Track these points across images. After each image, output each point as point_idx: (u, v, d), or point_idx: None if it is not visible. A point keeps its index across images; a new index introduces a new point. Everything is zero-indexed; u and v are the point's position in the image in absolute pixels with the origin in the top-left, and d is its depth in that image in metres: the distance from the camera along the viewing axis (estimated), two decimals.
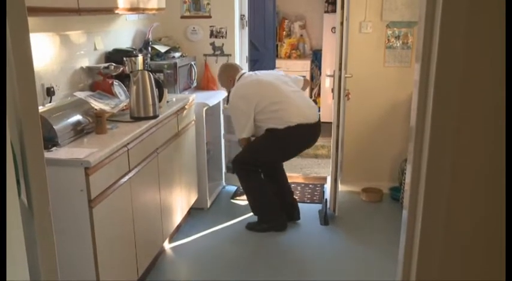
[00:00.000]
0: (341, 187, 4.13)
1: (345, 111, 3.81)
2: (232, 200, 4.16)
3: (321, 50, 6.45)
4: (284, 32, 6.77)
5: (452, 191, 1.25)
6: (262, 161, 3.53)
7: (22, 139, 0.96)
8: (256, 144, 3.50)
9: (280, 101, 3.41)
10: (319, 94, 6.58)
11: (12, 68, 0.92)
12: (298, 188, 4.48)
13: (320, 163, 5.36)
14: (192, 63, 4.07)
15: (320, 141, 5.61)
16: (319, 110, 6.47)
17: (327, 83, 6.15)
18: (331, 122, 3.86)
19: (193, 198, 3.72)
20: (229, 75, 3.65)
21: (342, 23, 3.35)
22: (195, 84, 4.16)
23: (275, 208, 3.57)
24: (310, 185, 4.55)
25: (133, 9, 3.17)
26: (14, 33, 0.89)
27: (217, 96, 4.03)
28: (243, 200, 4.05)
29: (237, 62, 4.35)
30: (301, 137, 3.49)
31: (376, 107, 4.09)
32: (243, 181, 3.58)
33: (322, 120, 6.36)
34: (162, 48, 3.94)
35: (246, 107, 3.41)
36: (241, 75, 3.59)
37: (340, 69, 3.44)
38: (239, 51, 4.38)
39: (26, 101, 0.95)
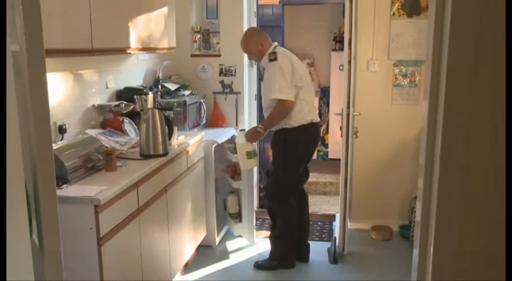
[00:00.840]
0: (350, 225, 4.09)
1: (354, 148, 3.81)
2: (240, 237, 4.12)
3: (328, 87, 6.50)
4: None
5: (463, 229, 1.24)
6: (294, 177, 3.40)
7: (36, 179, 0.97)
8: (279, 162, 3.39)
9: (309, 92, 3.35)
10: (327, 131, 6.60)
11: (29, 109, 0.94)
12: None
13: (329, 200, 5.32)
14: (202, 101, 4.13)
15: (328, 178, 5.63)
16: (327, 147, 6.53)
17: (334, 120, 6.17)
18: (339, 159, 3.86)
19: (201, 235, 3.70)
20: (260, 39, 3.34)
21: (349, 62, 3.40)
22: (204, 121, 4.20)
23: (293, 246, 3.52)
24: (319, 223, 4.50)
25: (145, 49, 3.25)
26: (32, 76, 0.92)
27: (226, 134, 4.05)
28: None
29: (246, 99, 4.40)
30: (312, 136, 3.43)
31: (384, 144, 4.09)
32: (276, 213, 3.46)
33: (330, 156, 6.47)
34: (172, 86, 4.01)
35: (290, 72, 3.20)
36: (276, 45, 3.37)
37: (348, 107, 3.47)
38: (248, 89, 4.44)
39: (40, 141, 0.97)
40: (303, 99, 3.26)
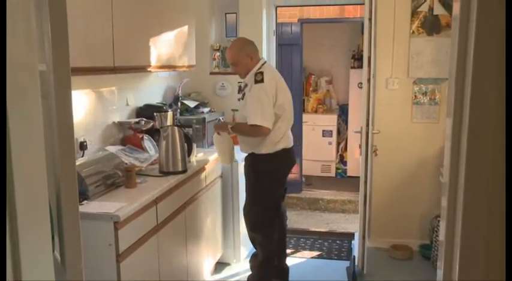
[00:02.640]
0: (369, 243, 4.03)
1: (373, 166, 3.78)
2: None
3: (347, 104, 6.49)
4: (311, 87, 6.86)
5: (489, 249, 1.21)
6: (272, 205, 3.22)
7: (59, 196, 0.99)
8: (252, 191, 3.21)
9: (288, 120, 3.18)
10: (345, 148, 6.56)
11: (54, 127, 0.96)
12: (325, 244, 4.39)
13: (347, 218, 5.27)
14: (220, 118, 4.15)
15: (347, 196, 5.59)
16: (346, 164, 6.49)
17: (353, 138, 6.14)
18: (358, 177, 3.82)
19: (219, 253, 3.68)
20: (251, 52, 3.13)
21: (369, 80, 3.39)
22: None
23: (273, 272, 3.34)
24: (338, 241, 4.45)
25: (165, 67, 3.29)
26: (58, 95, 0.94)
27: None
28: None
29: None
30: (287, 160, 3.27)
31: (404, 162, 4.04)
32: (258, 246, 3.29)
33: (349, 174, 6.43)
34: (192, 104, 4.04)
35: (274, 97, 3.04)
36: (265, 62, 3.18)
37: (367, 125, 3.44)
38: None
39: (64, 158, 0.98)
40: (279, 128, 3.08)
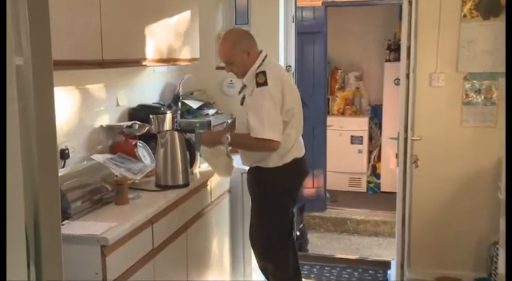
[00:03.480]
0: (409, 275, 3.99)
1: (413, 180, 3.75)
2: None
3: (381, 105, 6.47)
4: (337, 84, 6.86)
5: None
6: (283, 227, 3.20)
7: (37, 216, 0.98)
8: (259, 211, 3.19)
9: (298, 125, 3.15)
10: (379, 158, 6.53)
11: (33, 133, 0.96)
12: (355, 273, 4.37)
13: (381, 242, 5.23)
14: (229, 121, 4.15)
15: (381, 215, 5.56)
16: (379, 178, 6.46)
17: (388, 145, 6.11)
18: (394, 193, 3.80)
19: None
20: (248, 46, 3.04)
21: (407, 75, 3.37)
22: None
23: None
24: (370, 271, 4.42)
25: (163, 61, 3.31)
26: (39, 94, 0.94)
27: None
28: None
29: None
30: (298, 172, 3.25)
31: (452, 175, 4.01)
32: (271, 276, 3.27)
33: (383, 189, 6.40)
34: (194, 104, 4.05)
35: (280, 102, 2.95)
36: (266, 56, 3.09)
37: (406, 130, 3.43)
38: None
39: (45, 171, 0.98)
40: (288, 135, 3.03)
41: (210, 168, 3.36)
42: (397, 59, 5.73)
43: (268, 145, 2.91)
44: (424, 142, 3.84)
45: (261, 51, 3.10)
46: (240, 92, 3.18)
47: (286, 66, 4.44)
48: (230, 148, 3.21)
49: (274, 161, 3.05)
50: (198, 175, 3.24)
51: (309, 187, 5.66)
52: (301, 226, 4.82)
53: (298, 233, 4.57)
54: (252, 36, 3.13)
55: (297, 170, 3.17)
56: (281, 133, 2.94)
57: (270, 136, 2.87)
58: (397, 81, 5.81)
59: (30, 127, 0.98)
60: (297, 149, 3.13)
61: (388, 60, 6.36)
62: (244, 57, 3.01)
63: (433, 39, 3.90)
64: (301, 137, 3.22)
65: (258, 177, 3.13)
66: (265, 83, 2.91)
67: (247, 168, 3.36)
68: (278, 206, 3.15)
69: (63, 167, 2.82)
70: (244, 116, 3.02)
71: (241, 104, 3.10)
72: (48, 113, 0.99)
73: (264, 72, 2.94)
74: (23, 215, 0.90)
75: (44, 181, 0.99)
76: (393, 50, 6.33)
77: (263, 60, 3.04)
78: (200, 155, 3.26)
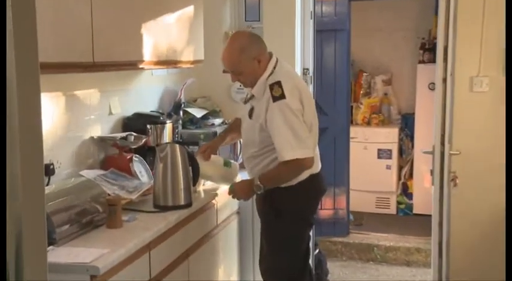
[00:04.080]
0: None
1: (451, 201, 3.72)
2: None
3: (413, 113, 6.44)
4: (361, 90, 6.85)
5: None
6: (298, 256, 3.20)
7: (19, 243, 0.98)
8: (270, 237, 3.19)
9: (314, 138, 3.13)
10: (411, 175, 6.50)
11: (16, 145, 0.96)
12: None
13: (415, 273, 5.20)
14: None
15: (413, 242, 5.52)
16: (411, 197, 6.42)
17: (422, 160, 6.08)
18: (429, 215, 3.77)
19: None
20: (258, 52, 3.01)
21: (444, 79, 3.36)
22: (240, 160, 4.20)
23: None
24: None
25: (162, 63, 3.33)
26: (23, 102, 0.95)
27: None
28: None
29: None
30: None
31: (496, 196, 3.96)
32: None
33: (416, 211, 6.35)
34: (198, 113, 4.07)
35: (299, 107, 2.93)
36: (277, 61, 3.07)
37: (442, 143, 3.41)
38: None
39: (30, 190, 0.99)
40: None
41: (216, 186, 3.38)
42: (432, 60, 5.71)
43: (301, 165, 2.93)
44: (464, 157, 3.82)
45: (271, 56, 3.07)
46: (245, 102, 3.17)
47: (303, 70, 4.44)
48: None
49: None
50: (202, 194, 3.24)
51: (329, 208, 5.63)
52: (316, 251, 4.78)
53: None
54: (261, 39, 3.13)
55: (313, 187, 3.17)
56: (311, 147, 2.96)
57: (301, 154, 2.87)
58: (432, 86, 5.79)
59: (13, 138, 0.98)
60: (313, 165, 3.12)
61: (422, 62, 6.34)
62: (254, 65, 2.98)
63: (475, 37, 3.88)
64: (317, 150, 3.20)
65: (268, 197, 3.11)
66: (282, 96, 2.89)
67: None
68: (292, 230, 3.14)
69: (47, 184, 2.82)
70: (253, 132, 3.03)
71: (250, 116, 3.08)
72: (34, 123, 1.00)
73: (279, 83, 2.91)
74: (5, 241, 0.91)
75: (29, 201, 0.99)
76: (428, 49, 6.30)
77: (274, 66, 3.02)
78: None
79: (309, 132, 2.98)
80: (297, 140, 2.87)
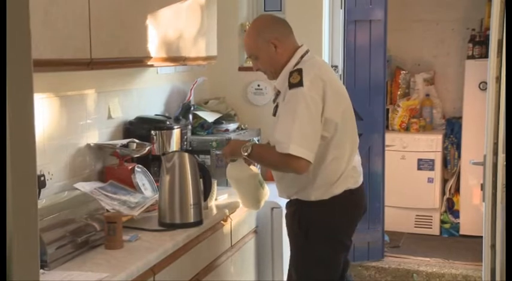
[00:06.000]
0: None
1: (505, 220, 3.70)
2: None
3: (460, 118, 6.41)
4: (399, 90, 6.82)
5: None
6: (331, 274, 3.19)
7: (10, 267, 0.99)
8: (297, 258, 3.19)
9: (349, 145, 3.14)
10: (457, 190, 6.46)
11: (7, 155, 0.98)
12: None
13: None
14: (256, 139, 4.16)
15: (461, 267, 5.48)
16: (457, 216, 6.37)
17: (470, 172, 6.05)
18: (480, 237, 3.75)
19: None
20: (274, 34, 3.07)
21: (498, 78, 3.35)
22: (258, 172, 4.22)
23: None
24: None
25: (170, 60, 3.35)
26: (14, 103, 0.96)
27: None
28: None
29: None
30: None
31: None
32: None
33: (463, 232, 6.30)
34: (210, 117, 4.07)
35: (318, 102, 2.93)
36: (306, 52, 3.12)
37: (495, 152, 3.40)
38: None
39: (21, 207, 1.00)
40: (335, 159, 3.03)
41: (231, 200, 3.38)
42: (484, 56, 5.69)
43: (293, 164, 2.87)
44: None
45: (300, 46, 3.12)
46: (274, 101, 3.20)
47: (332, 67, 4.44)
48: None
49: (318, 192, 3.04)
50: (215, 210, 3.25)
51: (360, 228, 5.61)
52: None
53: None
54: (286, 24, 3.17)
55: (350, 205, 3.15)
56: (313, 151, 2.89)
57: (296, 152, 2.82)
58: (483, 86, 5.76)
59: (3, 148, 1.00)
60: (350, 177, 3.12)
61: (471, 57, 6.30)
62: (270, 50, 3.04)
63: None
64: (359, 161, 3.21)
65: (297, 213, 3.11)
66: (299, 84, 2.90)
67: (282, 201, 3.41)
68: (322, 254, 3.12)
69: (38, 198, 2.85)
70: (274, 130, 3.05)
71: (274, 114, 3.12)
72: (27, 127, 1.01)
73: (299, 71, 2.93)
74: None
75: (20, 219, 1.00)
76: (478, 43, 6.26)
77: (302, 56, 3.05)
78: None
79: (328, 132, 2.96)
80: (298, 135, 2.84)
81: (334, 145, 3.01)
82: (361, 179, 3.21)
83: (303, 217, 3.09)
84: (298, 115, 2.86)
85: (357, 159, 3.20)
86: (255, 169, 3.27)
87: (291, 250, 3.23)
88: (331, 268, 3.17)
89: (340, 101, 3.07)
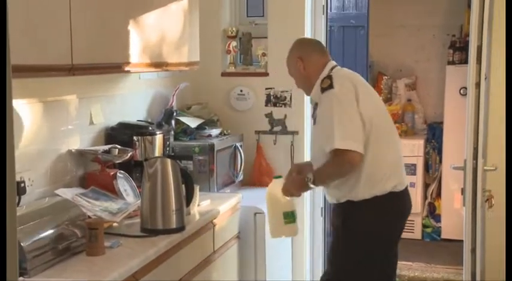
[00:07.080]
0: None
1: (485, 225, 3.72)
2: None
3: (441, 123, 6.45)
4: (381, 95, 6.84)
5: None
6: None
7: None
8: (339, 258, 3.24)
9: (392, 144, 3.27)
10: (438, 195, 6.49)
11: None
12: None
13: None
14: (238, 144, 4.16)
15: (442, 271, 5.51)
16: (439, 220, 6.39)
17: (451, 177, 6.08)
18: (460, 241, 3.76)
19: None
20: (300, 52, 3.30)
21: (478, 84, 3.36)
22: (241, 177, 4.22)
23: None
24: None
25: (152, 66, 3.34)
26: None
27: None
28: None
29: (307, 143, 4.38)
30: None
31: None
32: None
33: (445, 236, 6.32)
34: (192, 122, 4.07)
35: (351, 98, 3.07)
36: (334, 66, 3.28)
37: (475, 157, 3.41)
38: (310, 127, 4.44)
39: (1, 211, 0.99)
40: (376, 155, 3.09)
41: (213, 206, 3.38)
42: (464, 62, 5.73)
43: (344, 158, 2.98)
44: (501, 173, 3.80)
45: (328, 61, 3.30)
46: (313, 115, 3.41)
47: None
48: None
49: (362, 191, 3.10)
50: (197, 216, 3.24)
51: None
52: None
53: None
54: (318, 43, 3.53)
55: (396, 207, 3.23)
56: (359, 140, 2.99)
57: (341, 145, 2.94)
58: (463, 91, 5.79)
59: None
60: (394, 178, 3.18)
61: (452, 63, 6.34)
62: (298, 66, 3.26)
63: None
64: (402, 162, 3.32)
65: (343, 214, 3.19)
66: (330, 86, 3.08)
67: (264, 208, 3.48)
68: (368, 257, 3.16)
69: (17, 205, 2.82)
70: (319, 139, 3.17)
71: (314, 122, 3.30)
72: (5, 134, 1.00)
73: (329, 77, 3.14)
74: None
75: None
76: (458, 48, 6.31)
77: (331, 69, 3.22)
78: None
79: (363, 125, 3.04)
80: (340, 130, 2.97)
81: (374, 140, 3.08)
82: (405, 182, 3.29)
83: (348, 217, 3.16)
84: (335, 113, 3.02)
85: (400, 161, 3.30)
86: (292, 202, 3.30)
87: (331, 245, 3.37)
88: (370, 271, 3.18)
89: (372, 101, 3.22)
